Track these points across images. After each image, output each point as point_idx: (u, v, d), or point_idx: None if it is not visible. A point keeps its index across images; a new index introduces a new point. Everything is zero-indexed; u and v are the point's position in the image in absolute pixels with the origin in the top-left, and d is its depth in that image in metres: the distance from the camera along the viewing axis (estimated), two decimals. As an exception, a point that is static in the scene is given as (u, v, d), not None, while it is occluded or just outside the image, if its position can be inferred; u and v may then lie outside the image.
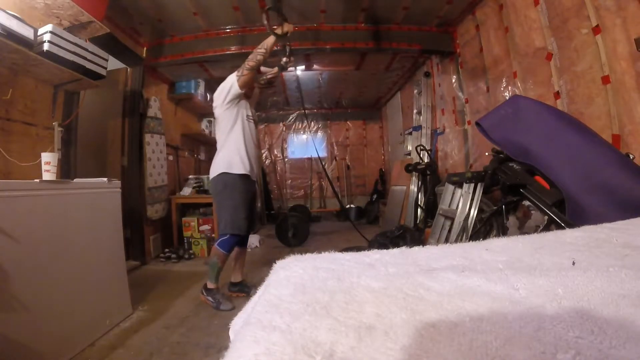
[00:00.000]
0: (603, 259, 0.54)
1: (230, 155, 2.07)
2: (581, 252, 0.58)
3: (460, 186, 2.17)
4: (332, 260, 0.57)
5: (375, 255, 0.61)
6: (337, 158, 6.86)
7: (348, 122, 6.95)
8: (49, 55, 1.78)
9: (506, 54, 2.58)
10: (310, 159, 6.71)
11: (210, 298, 2.05)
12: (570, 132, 1.40)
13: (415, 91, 4.34)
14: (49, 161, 1.51)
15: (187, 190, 3.77)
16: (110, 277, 1.80)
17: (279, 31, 2.02)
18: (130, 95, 3.25)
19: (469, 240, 1.65)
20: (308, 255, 0.60)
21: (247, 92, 2.16)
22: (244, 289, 2.22)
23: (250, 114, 2.18)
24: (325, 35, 3.33)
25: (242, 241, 2.21)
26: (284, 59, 2.16)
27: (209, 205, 3.62)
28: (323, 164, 5.56)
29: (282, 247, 3.71)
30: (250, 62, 1.99)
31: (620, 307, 0.37)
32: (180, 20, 3.11)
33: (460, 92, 3.38)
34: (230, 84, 2.03)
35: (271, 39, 2.00)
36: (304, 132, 6.89)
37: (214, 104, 2.12)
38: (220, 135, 2.12)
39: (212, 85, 4.71)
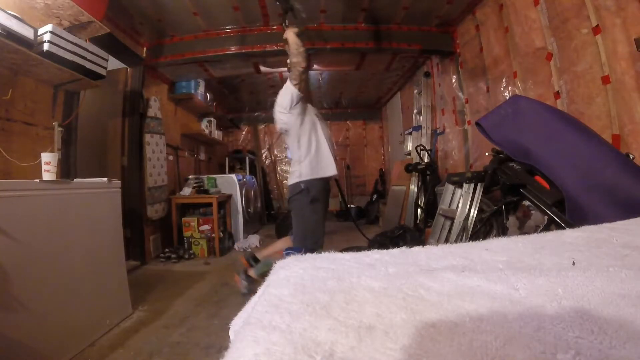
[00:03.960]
0: (603, 259, 0.54)
1: (319, 157, 2.04)
2: (581, 252, 0.58)
3: (460, 186, 2.17)
4: (332, 260, 0.57)
5: (375, 255, 0.61)
6: (337, 158, 6.84)
7: (348, 122, 6.95)
8: (49, 55, 1.78)
9: (506, 54, 2.58)
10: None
11: (244, 283, 2.14)
12: (570, 132, 1.40)
13: (415, 91, 4.34)
14: (49, 161, 1.51)
15: (187, 190, 3.77)
16: (110, 277, 1.80)
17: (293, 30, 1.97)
18: (130, 95, 3.24)
19: (469, 240, 1.64)
20: (308, 255, 0.60)
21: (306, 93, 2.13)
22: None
23: (316, 111, 2.15)
24: (325, 35, 3.33)
25: None
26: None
27: (209, 205, 3.62)
28: None
29: (282, 247, 3.70)
30: (300, 66, 1.90)
31: (620, 307, 0.37)
32: (180, 20, 3.11)
33: (460, 92, 3.38)
34: (291, 93, 1.96)
35: (291, 35, 1.93)
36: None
37: (278, 117, 2.08)
38: (297, 142, 2.04)
39: (212, 85, 4.73)
